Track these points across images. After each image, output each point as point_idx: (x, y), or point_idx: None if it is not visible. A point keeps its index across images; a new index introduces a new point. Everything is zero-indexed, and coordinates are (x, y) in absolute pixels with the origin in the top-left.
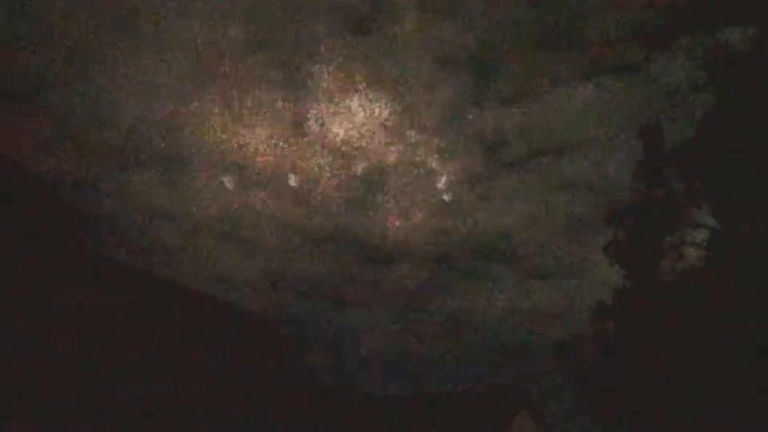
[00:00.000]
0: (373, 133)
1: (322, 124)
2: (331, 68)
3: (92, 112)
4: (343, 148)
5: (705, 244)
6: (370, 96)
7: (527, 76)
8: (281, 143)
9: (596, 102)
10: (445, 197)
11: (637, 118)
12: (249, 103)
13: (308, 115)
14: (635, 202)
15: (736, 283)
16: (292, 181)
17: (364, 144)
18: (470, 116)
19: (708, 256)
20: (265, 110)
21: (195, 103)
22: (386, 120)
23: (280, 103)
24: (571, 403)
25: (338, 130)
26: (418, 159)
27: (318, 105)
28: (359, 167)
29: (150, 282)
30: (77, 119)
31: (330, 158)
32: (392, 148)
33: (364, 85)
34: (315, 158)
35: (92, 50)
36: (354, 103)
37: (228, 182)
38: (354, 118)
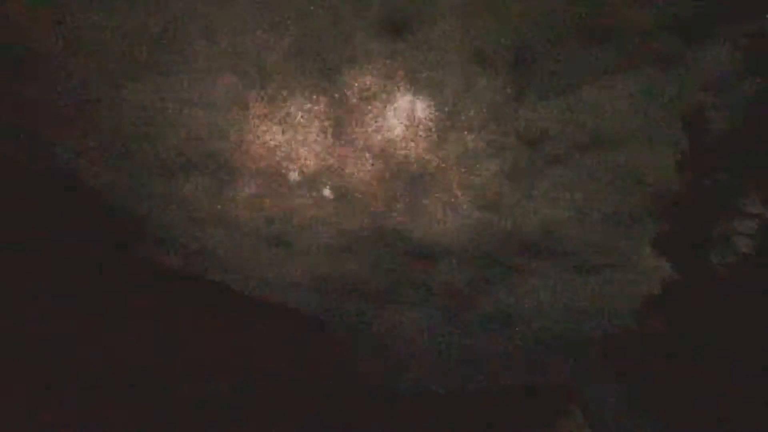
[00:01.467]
0: (414, 134)
1: (364, 127)
2: (371, 72)
3: (142, 124)
4: (385, 150)
5: (754, 233)
6: (411, 98)
7: (567, 70)
8: (323, 147)
9: (638, 94)
10: (489, 195)
11: (681, 109)
12: (291, 109)
13: (350, 119)
14: (681, 193)
15: None
16: (335, 183)
17: (405, 145)
18: (511, 113)
19: (758, 246)
20: (307, 115)
21: (240, 112)
22: (427, 121)
23: (322, 108)
24: (619, 399)
25: (379, 132)
26: (459, 158)
27: (359, 108)
28: (401, 168)
29: (202, 286)
30: (128, 131)
31: (372, 160)
32: (434, 148)
33: (405, 87)
34: (357, 161)
35: (141, 63)
36: (395, 105)
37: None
38: (395, 120)
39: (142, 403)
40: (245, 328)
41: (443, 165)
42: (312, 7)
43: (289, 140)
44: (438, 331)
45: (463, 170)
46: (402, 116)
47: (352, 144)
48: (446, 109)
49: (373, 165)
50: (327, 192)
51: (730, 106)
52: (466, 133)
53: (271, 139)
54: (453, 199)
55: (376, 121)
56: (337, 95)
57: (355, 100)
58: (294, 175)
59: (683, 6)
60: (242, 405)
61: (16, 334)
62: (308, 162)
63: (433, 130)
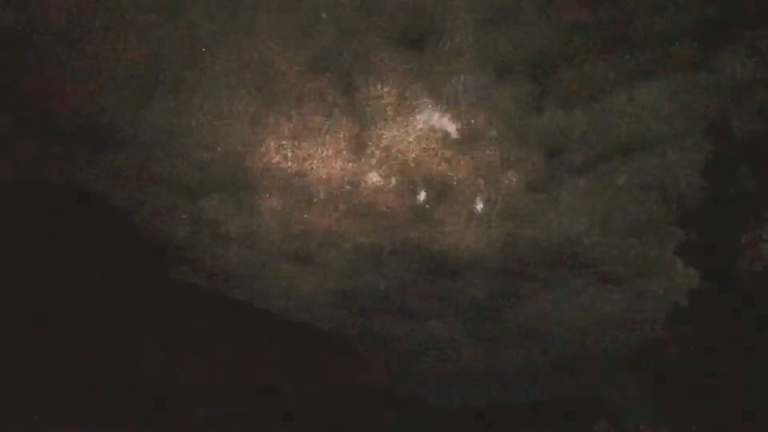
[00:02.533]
0: (435, 147)
1: (384, 142)
2: (390, 85)
3: (164, 143)
4: (406, 163)
5: None
6: (430, 110)
7: (587, 79)
8: (345, 163)
9: (659, 101)
10: (510, 206)
11: (704, 115)
12: (312, 126)
13: (370, 134)
14: (707, 200)
15: None
16: (357, 199)
17: (426, 158)
18: (531, 124)
19: None
20: (327, 132)
21: (261, 130)
22: (447, 133)
23: (342, 124)
24: (649, 409)
25: (400, 146)
26: (481, 169)
27: (379, 122)
28: (422, 180)
29: (228, 305)
30: (150, 150)
31: (393, 174)
32: (454, 160)
33: (424, 99)
34: (378, 175)
35: (162, 83)
36: (414, 118)
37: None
38: (415, 133)
39: (166, 422)
40: (269, 346)
41: (464, 177)
42: (327, 23)
43: (308, 156)
44: (463, 346)
45: (483, 182)
46: (421, 129)
47: (371, 158)
48: (465, 121)
49: (393, 178)
50: (346, 208)
51: (753, 112)
52: (485, 144)
53: (290, 156)
54: (474, 212)
55: (395, 135)
56: (355, 110)
57: (373, 114)
58: (314, 192)
59: (703, 12)
60: (267, 422)
61: (39, 347)
62: (328, 179)
63: (453, 142)
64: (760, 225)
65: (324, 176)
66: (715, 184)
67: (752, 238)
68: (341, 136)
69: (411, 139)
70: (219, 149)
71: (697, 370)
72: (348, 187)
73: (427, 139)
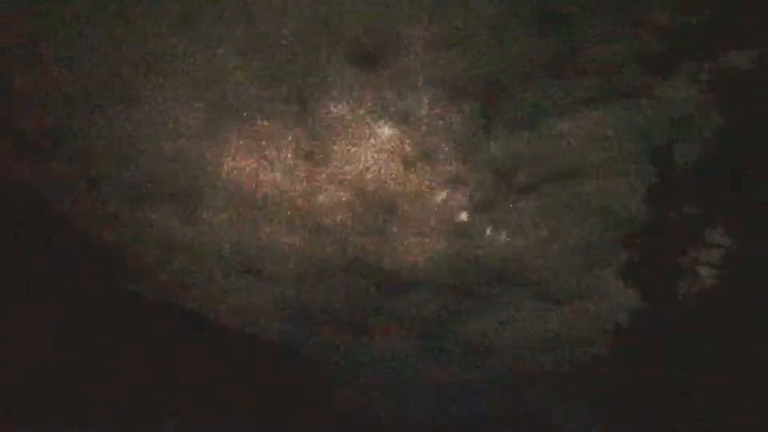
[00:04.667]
0: (386, 164)
1: (335, 156)
2: (342, 100)
3: (112, 151)
4: (357, 179)
5: (720, 263)
6: (382, 127)
7: (535, 103)
8: (295, 175)
9: (605, 126)
10: (459, 225)
11: (647, 142)
12: (263, 138)
13: (320, 147)
14: (648, 223)
15: (751, 301)
16: (308, 212)
17: (376, 174)
18: (481, 145)
19: (723, 276)
20: (279, 144)
21: (213, 141)
22: (398, 150)
23: (293, 136)
24: (592, 426)
25: (351, 162)
26: (430, 188)
27: (330, 136)
28: (372, 197)
29: (173, 314)
30: (98, 158)
31: (343, 188)
32: (405, 178)
33: (376, 116)
34: (329, 190)
35: (115, 92)
36: (366, 134)
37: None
38: (365, 149)
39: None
40: (216, 357)
41: (414, 195)
42: (284, 37)
43: (260, 169)
44: (408, 360)
45: (434, 200)
46: (374, 146)
47: (323, 172)
48: (417, 139)
49: (345, 194)
50: (296, 221)
51: (695, 140)
52: (437, 163)
53: (242, 168)
54: (424, 230)
55: (348, 151)
56: (309, 124)
57: (327, 129)
58: (263, 204)
59: (647, 43)
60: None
61: None
62: (279, 191)
63: (404, 160)
64: (699, 249)
65: (275, 189)
66: (657, 209)
67: (691, 261)
68: (294, 149)
69: (363, 155)
70: (168, 159)
71: (637, 388)
72: (299, 200)
73: (379, 156)
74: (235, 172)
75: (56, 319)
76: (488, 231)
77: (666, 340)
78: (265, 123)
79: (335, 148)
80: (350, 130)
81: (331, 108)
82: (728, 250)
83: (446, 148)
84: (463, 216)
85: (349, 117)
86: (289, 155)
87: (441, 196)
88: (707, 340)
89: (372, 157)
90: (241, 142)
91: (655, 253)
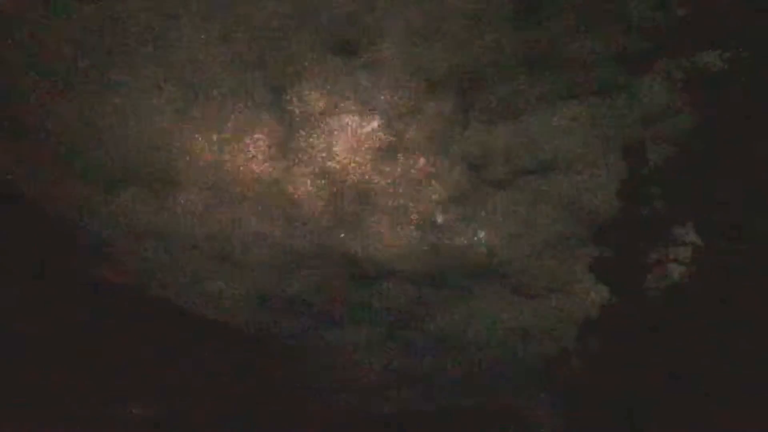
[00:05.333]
0: (361, 153)
1: (310, 144)
2: (318, 89)
3: (83, 134)
4: (331, 168)
5: (688, 260)
6: (357, 116)
7: (511, 97)
8: (269, 163)
9: (579, 122)
10: (432, 216)
11: (620, 138)
12: (237, 124)
13: (296, 136)
14: (620, 219)
15: (718, 298)
16: (281, 201)
17: (351, 164)
18: (456, 137)
19: (691, 273)
20: (253, 130)
21: (184, 124)
22: (373, 140)
23: (268, 124)
24: (559, 417)
25: (326, 150)
26: (405, 179)
27: (305, 126)
28: (347, 187)
29: (143, 302)
30: (69, 141)
31: (318, 178)
32: (379, 168)
33: (351, 105)
34: (303, 178)
35: (85, 74)
36: (341, 123)
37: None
38: (341, 139)
39: (75, 423)
40: (185, 344)
41: (389, 186)
42: (258, 24)
43: (233, 155)
44: (380, 351)
45: (408, 191)
46: (349, 136)
47: (297, 161)
48: (392, 130)
49: (319, 184)
50: (269, 209)
51: (667, 138)
52: (412, 154)
53: (214, 153)
54: (398, 220)
55: (322, 140)
56: (284, 113)
57: (301, 118)
58: (236, 191)
59: (625, 40)
60: (182, 424)
61: None
62: (252, 178)
63: (380, 150)
64: (668, 245)
65: (248, 176)
66: (628, 205)
67: (660, 257)
68: (268, 137)
69: (337, 145)
70: (141, 144)
71: (605, 381)
72: (272, 188)
73: (353, 145)
74: (209, 158)
75: (25, 304)
76: (461, 224)
77: (634, 335)
78: (241, 110)
79: (311, 137)
80: (326, 119)
81: (308, 97)
82: (697, 248)
83: (422, 140)
84: (439, 212)
85: (325, 107)
86: (264, 143)
87: (415, 186)
88: (674, 334)
89: (348, 148)
90: (216, 129)
91: (625, 249)
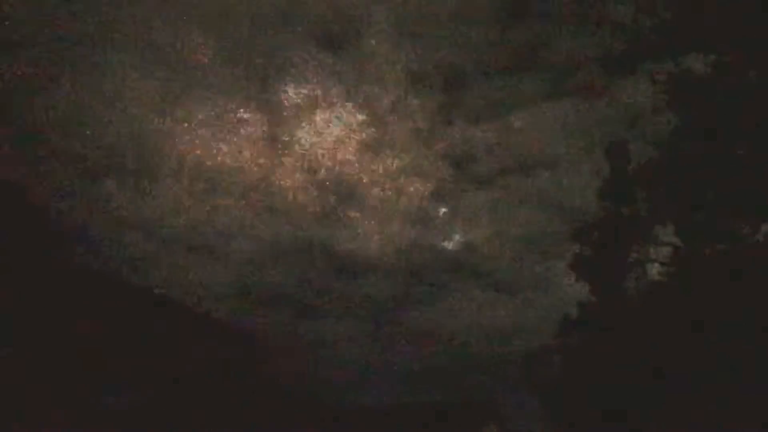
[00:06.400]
0: (344, 148)
1: (294, 138)
2: (303, 83)
3: (64, 121)
4: (315, 162)
5: (668, 261)
6: (342, 111)
7: (495, 95)
8: (253, 155)
9: (562, 122)
10: (415, 212)
11: (603, 138)
12: (221, 116)
13: (280, 128)
14: (600, 219)
15: (696, 298)
16: (264, 193)
17: (335, 158)
18: (440, 134)
19: (670, 273)
20: (236, 122)
21: (167, 114)
22: (357, 135)
23: (252, 116)
24: (536, 414)
25: (310, 144)
26: (388, 174)
27: (290, 118)
28: (330, 181)
29: (122, 291)
30: (49, 127)
31: (301, 171)
32: (363, 163)
33: (336, 100)
34: (286, 171)
35: (66, 60)
36: (325, 117)
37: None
38: (325, 133)
39: (58, 414)
40: (165, 336)
41: (372, 180)
42: (244, 15)
43: (217, 147)
44: (360, 345)
45: (391, 186)
46: (333, 129)
47: (280, 154)
48: (377, 125)
49: (302, 177)
50: (252, 201)
51: (649, 139)
52: (395, 150)
53: (199, 145)
54: (381, 215)
55: (307, 134)
56: (269, 105)
57: (287, 111)
58: (219, 183)
59: (608, 41)
60: (162, 415)
61: None
62: (235, 170)
63: (364, 145)
64: (648, 245)
65: (232, 168)
66: (609, 204)
67: (640, 257)
68: (253, 129)
69: (323, 139)
70: (122, 131)
71: (583, 379)
72: (256, 180)
73: (338, 140)
74: (192, 149)
75: (1, 291)
76: (444, 220)
77: (613, 333)
78: (225, 101)
79: (295, 130)
80: (311, 113)
81: (293, 90)
82: (677, 249)
83: (406, 135)
84: (420, 204)
85: (309, 99)
86: (248, 135)
87: (399, 182)
88: (652, 334)
89: (332, 142)
90: (200, 119)
91: (605, 248)
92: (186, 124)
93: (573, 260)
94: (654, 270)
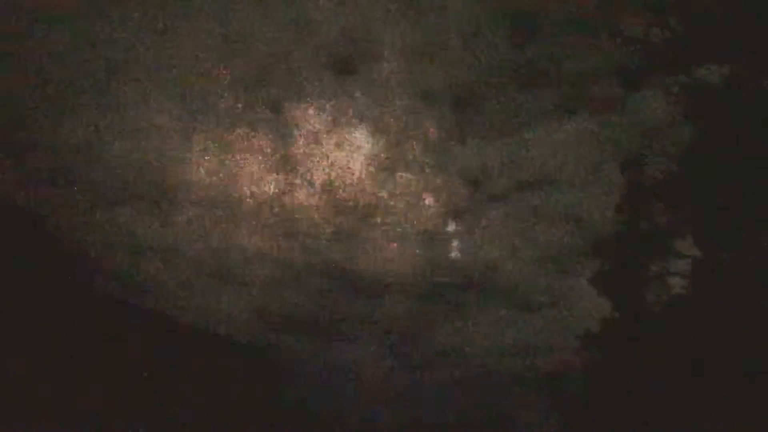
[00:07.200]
0: (360, 170)
1: (309, 161)
2: (317, 107)
3: (82, 151)
4: (330, 185)
5: (688, 273)
6: (356, 134)
7: (508, 112)
8: (269, 180)
9: (577, 137)
10: (431, 231)
11: (618, 152)
12: (236, 142)
13: (295, 153)
14: (619, 233)
15: (719, 311)
16: (280, 216)
17: (350, 180)
18: (453, 152)
19: (691, 285)
20: (252, 148)
21: (183, 142)
22: (372, 157)
23: (267, 142)
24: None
25: (325, 168)
26: (403, 194)
27: (305, 143)
28: (346, 203)
29: (143, 316)
30: (68, 157)
31: (317, 194)
32: (378, 184)
33: (350, 123)
34: (302, 195)
35: (84, 91)
36: (340, 139)
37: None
38: (340, 156)
39: None
40: (183, 360)
41: (387, 201)
42: (258, 42)
43: (233, 174)
44: (380, 365)
45: (406, 206)
46: (347, 152)
47: (296, 176)
48: (391, 146)
49: (318, 199)
50: (269, 226)
51: (665, 152)
52: (410, 170)
53: (213, 170)
54: (397, 235)
55: (321, 156)
56: (283, 129)
57: (301, 134)
58: (236, 209)
59: (622, 56)
60: None
61: None
62: (252, 196)
63: (378, 166)
64: (668, 259)
65: (248, 192)
66: (628, 219)
67: (660, 270)
68: (267, 153)
69: (337, 161)
70: (140, 159)
71: (606, 396)
72: (272, 204)
73: (352, 162)
74: (208, 175)
75: (24, 318)
76: (460, 238)
77: (635, 348)
78: (240, 127)
79: (309, 152)
80: (325, 135)
81: (307, 114)
82: (697, 261)
83: (420, 156)
84: (437, 223)
85: (323, 123)
86: (263, 160)
87: (414, 202)
88: (675, 348)
89: (346, 163)
90: (215, 146)
91: (625, 263)
92: (202, 152)
93: (592, 275)
94: (675, 283)
